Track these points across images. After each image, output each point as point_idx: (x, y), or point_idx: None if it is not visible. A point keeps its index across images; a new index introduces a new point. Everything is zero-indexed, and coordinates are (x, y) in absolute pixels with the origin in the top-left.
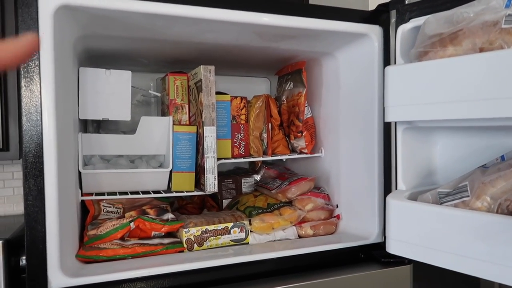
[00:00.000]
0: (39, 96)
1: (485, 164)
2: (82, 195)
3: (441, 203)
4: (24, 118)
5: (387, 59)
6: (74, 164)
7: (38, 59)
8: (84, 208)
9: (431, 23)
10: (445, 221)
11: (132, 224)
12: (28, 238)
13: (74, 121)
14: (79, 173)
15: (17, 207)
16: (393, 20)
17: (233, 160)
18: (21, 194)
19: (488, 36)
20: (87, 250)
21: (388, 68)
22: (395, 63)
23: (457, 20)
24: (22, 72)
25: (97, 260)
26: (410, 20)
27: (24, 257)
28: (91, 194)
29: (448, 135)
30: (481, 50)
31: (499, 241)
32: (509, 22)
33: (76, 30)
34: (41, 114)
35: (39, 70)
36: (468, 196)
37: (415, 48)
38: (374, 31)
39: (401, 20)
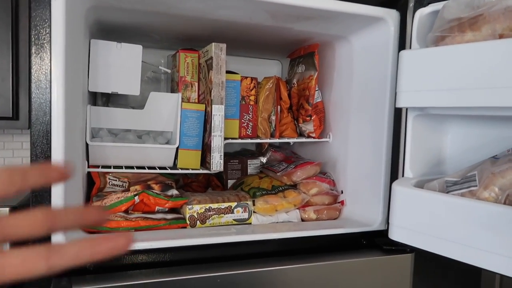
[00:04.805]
0: (49, 63)
1: (496, 155)
2: (88, 167)
3: (447, 192)
4: (33, 86)
5: (402, 45)
6: (82, 135)
7: (49, 26)
8: (90, 180)
9: (450, 7)
10: (450, 209)
11: (136, 198)
12: (33, 206)
13: (84, 93)
14: (87, 145)
15: None
16: (411, 4)
17: (240, 141)
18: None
19: (510, 22)
20: None
21: (402, 52)
22: (410, 48)
23: (478, 4)
24: (33, 39)
25: (100, 231)
26: (429, 5)
27: None
28: (97, 167)
29: (459, 125)
30: (501, 36)
31: (505, 232)
32: None
33: None
34: (50, 82)
35: (50, 37)
36: (476, 186)
37: (432, 32)
38: (390, 15)
39: (419, 5)
